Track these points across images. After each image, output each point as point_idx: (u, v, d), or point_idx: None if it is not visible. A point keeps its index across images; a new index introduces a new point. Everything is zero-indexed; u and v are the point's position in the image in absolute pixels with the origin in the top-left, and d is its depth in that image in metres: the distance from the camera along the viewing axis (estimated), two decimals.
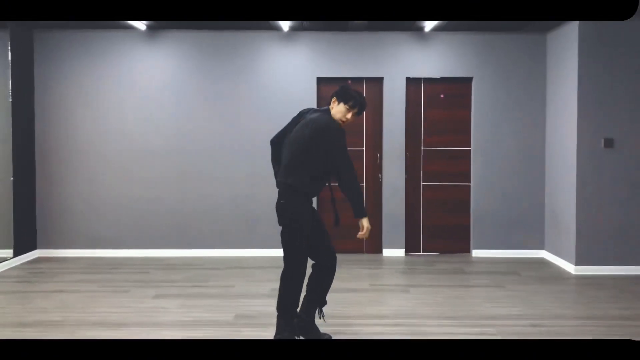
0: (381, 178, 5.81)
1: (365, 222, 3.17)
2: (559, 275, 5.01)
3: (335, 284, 4.41)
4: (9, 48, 5.23)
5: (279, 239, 5.67)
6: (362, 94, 3.21)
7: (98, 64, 5.69)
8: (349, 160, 3.10)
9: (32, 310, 3.95)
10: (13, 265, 5.27)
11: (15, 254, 5.35)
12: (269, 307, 3.99)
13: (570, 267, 5.13)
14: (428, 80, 5.83)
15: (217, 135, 5.74)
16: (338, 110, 3.13)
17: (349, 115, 3.12)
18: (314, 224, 3.19)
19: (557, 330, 3.55)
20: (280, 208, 3.20)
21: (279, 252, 5.71)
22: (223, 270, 5.16)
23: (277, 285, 4.54)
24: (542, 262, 5.53)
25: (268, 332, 3.44)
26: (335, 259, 3.28)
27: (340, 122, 3.13)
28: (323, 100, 5.71)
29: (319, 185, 3.17)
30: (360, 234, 3.20)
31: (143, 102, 5.72)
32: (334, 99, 3.17)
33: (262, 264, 5.41)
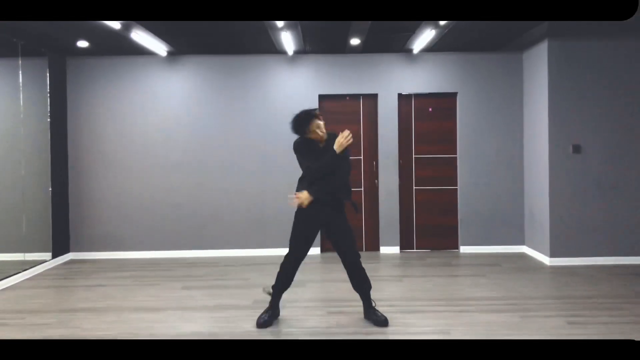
0: (377, 183, 6.49)
1: (301, 194, 3.69)
2: (536, 266, 5.67)
3: (337, 275, 5.06)
4: (48, 74, 5.95)
5: (286, 239, 6.35)
6: (299, 114, 3.71)
7: (124, 87, 6.40)
8: (303, 165, 3.74)
9: (79, 299, 4.61)
10: (51, 266, 5.93)
11: (53, 256, 6.01)
12: (283, 294, 4.64)
13: (545, 259, 5.79)
14: (418, 96, 6.53)
15: (230, 148, 6.43)
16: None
17: (322, 124, 3.68)
18: (328, 228, 3.78)
19: (526, 307, 4.20)
20: None
21: (286, 251, 6.36)
22: (239, 267, 5.82)
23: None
24: (522, 256, 6.19)
25: (283, 312, 4.08)
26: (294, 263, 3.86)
27: (319, 136, 3.68)
28: (324, 115, 6.40)
29: (316, 190, 3.68)
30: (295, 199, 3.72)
31: (164, 119, 6.42)
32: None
33: (273, 261, 6.04)
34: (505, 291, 4.70)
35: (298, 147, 3.75)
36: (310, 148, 3.72)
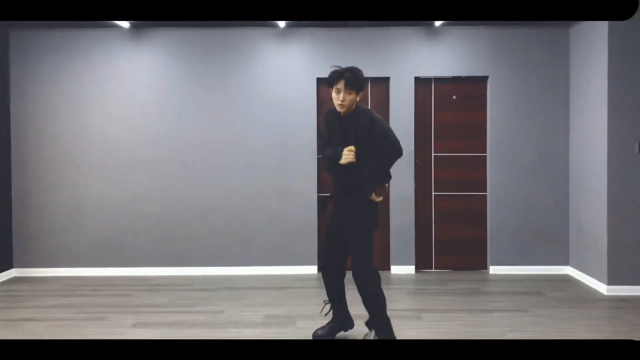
0: (388, 188, 5.30)
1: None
2: (589, 296, 4.47)
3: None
4: None
5: (276, 255, 5.27)
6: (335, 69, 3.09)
7: (79, 66, 5.24)
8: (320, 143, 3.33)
9: None
10: None
11: None
12: (261, 337, 3.49)
13: (601, 287, 4.58)
14: (439, 80, 5.32)
15: (208, 143, 5.26)
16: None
17: (334, 95, 3.06)
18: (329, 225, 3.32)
19: None
20: None
21: (275, 270, 5.25)
22: (213, 291, 4.66)
23: (272, 310, 4.07)
24: (567, 280, 4.99)
25: None
26: (323, 264, 3.35)
27: (338, 107, 3.08)
28: (323, 103, 5.23)
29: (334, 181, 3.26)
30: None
31: (128, 107, 5.26)
32: None
33: (257, 283, 4.91)
34: (560, 338, 3.50)
35: (324, 119, 3.31)
36: (330, 122, 3.20)
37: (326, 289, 3.36)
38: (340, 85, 2.96)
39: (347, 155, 3.00)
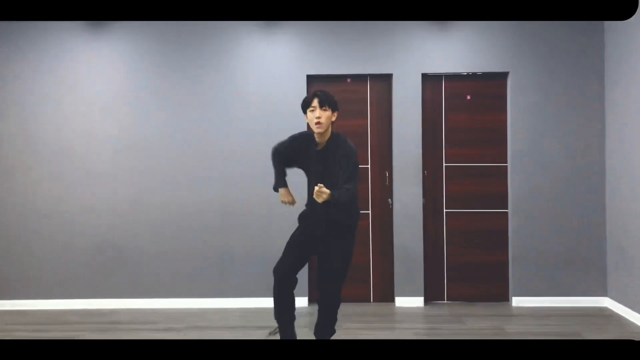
0: (391, 204, 4.50)
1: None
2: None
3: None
4: None
5: (259, 284, 4.48)
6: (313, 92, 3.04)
7: (29, 65, 4.47)
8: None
9: None
10: None
11: None
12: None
13: None
14: (450, 77, 4.55)
15: (180, 150, 4.48)
16: None
17: (310, 115, 2.97)
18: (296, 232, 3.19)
19: None
20: None
21: (257, 302, 4.45)
22: (180, 332, 3.84)
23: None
24: (608, 316, 4.16)
25: None
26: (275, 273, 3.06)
27: (315, 126, 2.96)
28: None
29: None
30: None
31: (86, 110, 4.49)
32: None
33: (234, 321, 4.09)
34: None
35: (293, 137, 3.16)
36: (299, 146, 3.08)
37: (279, 311, 3.04)
38: (315, 103, 2.91)
39: (320, 194, 2.73)
